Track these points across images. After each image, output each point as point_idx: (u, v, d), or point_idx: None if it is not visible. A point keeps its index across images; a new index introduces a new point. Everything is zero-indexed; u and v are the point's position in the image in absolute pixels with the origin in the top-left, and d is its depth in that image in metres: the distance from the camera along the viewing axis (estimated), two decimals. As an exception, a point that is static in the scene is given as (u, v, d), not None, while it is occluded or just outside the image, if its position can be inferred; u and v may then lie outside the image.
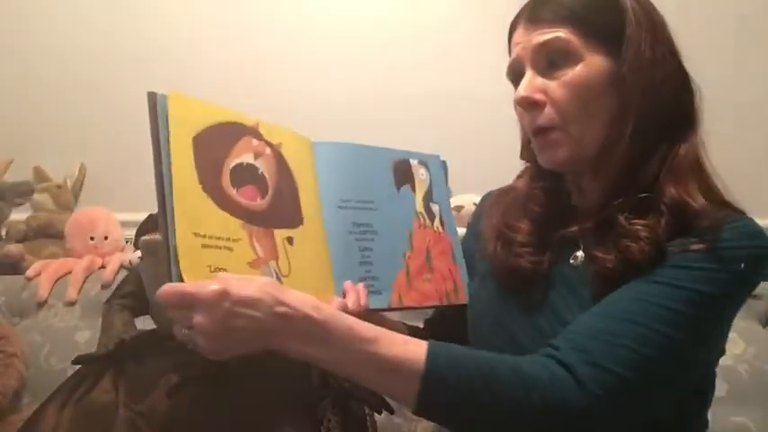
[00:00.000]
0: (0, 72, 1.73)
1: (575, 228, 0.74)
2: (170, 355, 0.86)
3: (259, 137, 0.72)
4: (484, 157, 1.30)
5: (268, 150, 0.73)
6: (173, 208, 0.61)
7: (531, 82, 0.71)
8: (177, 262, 0.59)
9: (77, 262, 1.45)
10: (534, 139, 0.75)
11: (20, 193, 1.57)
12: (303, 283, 0.70)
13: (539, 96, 0.71)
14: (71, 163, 1.68)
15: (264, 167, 0.71)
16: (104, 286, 1.39)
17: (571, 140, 0.71)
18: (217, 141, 0.68)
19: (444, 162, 0.94)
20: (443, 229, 0.87)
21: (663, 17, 0.73)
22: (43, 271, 1.42)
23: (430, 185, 0.88)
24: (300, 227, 0.73)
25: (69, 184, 1.66)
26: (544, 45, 0.70)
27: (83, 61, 1.74)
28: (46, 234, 1.57)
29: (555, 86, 0.70)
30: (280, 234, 0.70)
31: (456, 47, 1.79)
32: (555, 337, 0.67)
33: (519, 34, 0.74)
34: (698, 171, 0.70)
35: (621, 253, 0.66)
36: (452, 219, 0.89)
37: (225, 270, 0.62)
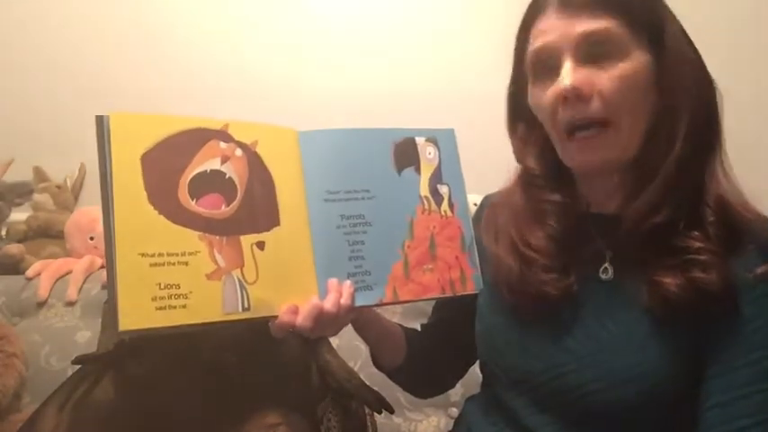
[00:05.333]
0: (0, 72, 1.73)
1: (604, 238, 0.72)
2: (170, 356, 0.86)
3: (228, 139, 0.70)
4: (483, 156, 1.29)
5: (239, 152, 0.70)
6: (114, 231, 0.61)
7: (576, 72, 0.67)
8: (115, 285, 0.60)
9: (77, 262, 1.44)
10: (570, 137, 0.71)
11: (20, 193, 1.56)
12: (275, 288, 0.68)
13: (586, 87, 0.67)
14: (71, 163, 1.68)
15: (233, 171, 0.69)
16: (104, 286, 1.38)
17: (618, 139, 0.69)
18: (172, 154, 0.66)
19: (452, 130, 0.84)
20: (452, 212, 0.80)
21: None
22: (43, 271, 1.41)
23: (439, 165, 0.81)
24: (275, 228, 0.70)
25: (69, 184, 1.67)
26: (591, 34, 0.66)
27: (83, 62, 1.73)
28: (46, 234, 1.57)
29: (604, 79, 0.67)
30: (247, 240, 0.68)
31: (455, 46, 1.79)
32: (587, 356, 0.69)
33: (550, 22, 0.69)
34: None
35: (691, 282, 0.65)
36: (465, 200, 0.82)
37: (178, 286, 0.62)
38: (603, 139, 0.69)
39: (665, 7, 0.70)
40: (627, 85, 0.67)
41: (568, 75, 0.67)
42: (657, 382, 0.67)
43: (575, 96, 0.67)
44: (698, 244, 0.66)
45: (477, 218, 0.89)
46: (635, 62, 0.68)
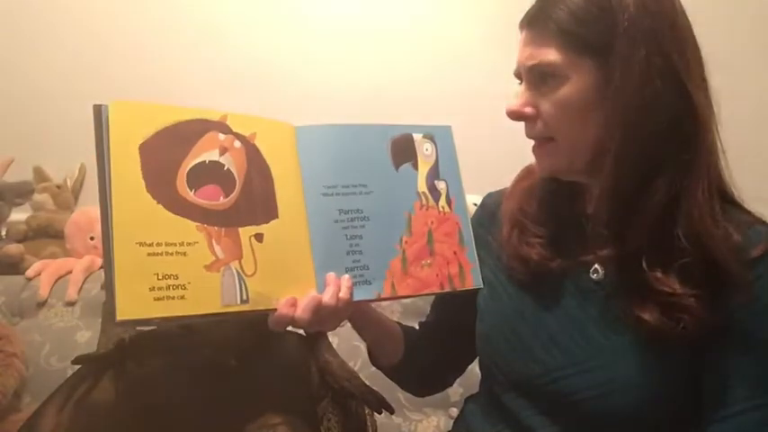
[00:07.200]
0: (0, 72, 1.73)
1: (590, 256, 0.73)
2: (170, 356, 0.86)
3: (227, 130, 0.70)
4: (482, 157, 1.30)
5: (237, 144, 0.70)
6: (112, 220, 0.61)
7: (523, 95, 0.73)
8: (113, 275, 0.60)
9: (77, 262, 1.44)
10: (533, 145, 0.75)
11: (20, 193, 1.56)
12: (273, 280, 0.68)
13: (528, 110, 0.72)
14: (71, 163, 1.68)
15: (231, 163, 0.69)
16: (104, 286, 1.38)
17: (562, 152, 0.72)
18: (171, 144, 0.66)
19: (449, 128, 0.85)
20: (450, 208, 0.81)
21: (672, 26, 0.69)
22: (43, 271, 1.42)
23: (436, 161, 0.82)
24: (274, 221, 0.70)
25: (69, 184, 1.67)
26: (534, 67, 0.71)
27: (83, 61, 1.74)
28: (46, 234, 1.57)
29: (544, 103, 0.71)
30: (246, 232, 0.68)
31: (456, 45, 1.79)
32: (583, 362, 0.70)
33: (521, 40, 0.74)
34: (714, 198, 0.68)
35: (674, 321, 0.66)
36: (462, 196, 0.83)
37: (176, 276, 0.62)
38: (549, 149, 0.73)
39: (617, 24, 0.67)
40: (565, 108, 0.70)
41: (516, 98, 0.73)
42: (653, 394, 0.68)
43: (516, 118, 0.74)
44: (677, 288, 0.66)
45: (479, 219, 0.89)
46: (574, 85, 0.69)
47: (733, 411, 0.66)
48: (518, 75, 0.75)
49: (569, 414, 0.72)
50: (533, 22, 0.72)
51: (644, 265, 0.67)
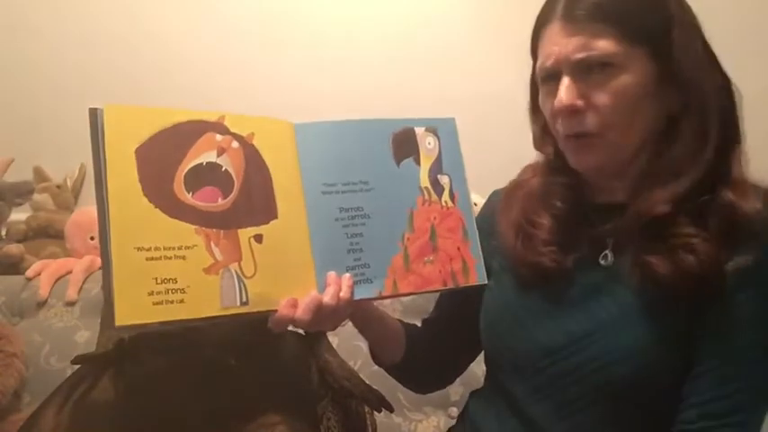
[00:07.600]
0: (0, 72, 1.73)
1: (608, 225, 0.73)
2: (169, 355, 0.86)
3: (224, 131, 0.69)
4: (484, 156, 1.29)
5: (235, 144, 0.70)
6: (109, 225, 0.61)
7: (571, 89, 0.70)
8: (111, 280, 0.60)
9: (77, 262, 1.44)
10: (567, 141, 0.74)
11: (20, 193, 1.56)
12: (273, 281, 0.68)
13: (580, 103, 0.70)
14: (71, 163, 1.68)
15: (229, 164, 0.69)
16: (103, 290, 1.38)
17: (608, 146, 0.71)
18: (168, 146, 0.66)
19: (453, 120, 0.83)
20: (453, 202, 0.79)
21: (692, 12, 0.73)
22: (43, 271, 1.41)
23: (439, 155, 0.80)
24: (273, 222, 0.70)
25: (69, 184, 1.67)
26: (587, 59, 0.69)
27: (83, 61, 1.74)
28: (46, 234, 1.57)
29: (597, 93, 0.69)
30: (245, 233, 0.68)
31: (459, 46, 1.79)
32: (584, 338, 0.71)
33: (554, 33, 0.71)
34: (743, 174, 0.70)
35: (676, 264, 0.66)
36: (466, 190, 0.81)
37: (175, 280, 0.62)
38: (597, 145, 0.72)
39: (671, 10, 0.70)
40: (622, 98, 0.69)
41: (564, 92, 0.70)
42: (651, 361, 0.68)
43: (569, 112, 0.70)
44: (691, 230, 0.67)
45: (484, 213, 0.89)
46: (632, 75, 0.69)
47: (710, 397, 0.67)
48: (553, 69, 0.72)
49: (569, 395, 0.73)
50: (572, 15, 0.70)
51: (673, 224, 0.68)
